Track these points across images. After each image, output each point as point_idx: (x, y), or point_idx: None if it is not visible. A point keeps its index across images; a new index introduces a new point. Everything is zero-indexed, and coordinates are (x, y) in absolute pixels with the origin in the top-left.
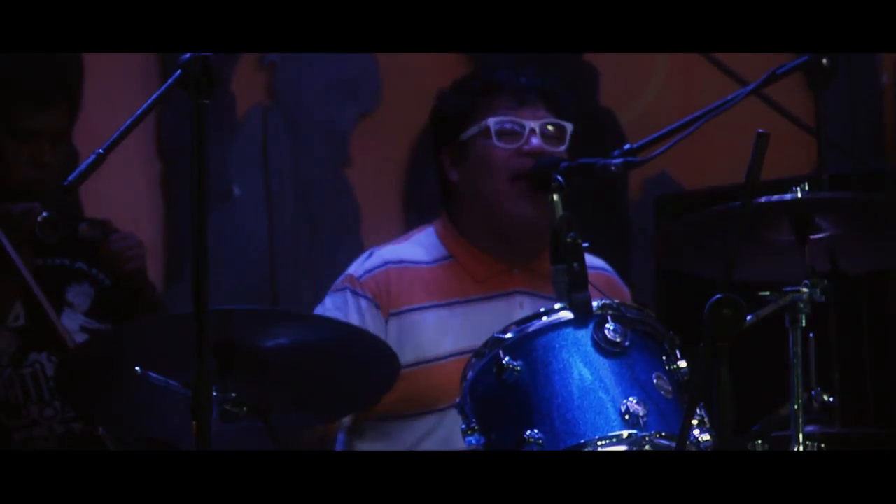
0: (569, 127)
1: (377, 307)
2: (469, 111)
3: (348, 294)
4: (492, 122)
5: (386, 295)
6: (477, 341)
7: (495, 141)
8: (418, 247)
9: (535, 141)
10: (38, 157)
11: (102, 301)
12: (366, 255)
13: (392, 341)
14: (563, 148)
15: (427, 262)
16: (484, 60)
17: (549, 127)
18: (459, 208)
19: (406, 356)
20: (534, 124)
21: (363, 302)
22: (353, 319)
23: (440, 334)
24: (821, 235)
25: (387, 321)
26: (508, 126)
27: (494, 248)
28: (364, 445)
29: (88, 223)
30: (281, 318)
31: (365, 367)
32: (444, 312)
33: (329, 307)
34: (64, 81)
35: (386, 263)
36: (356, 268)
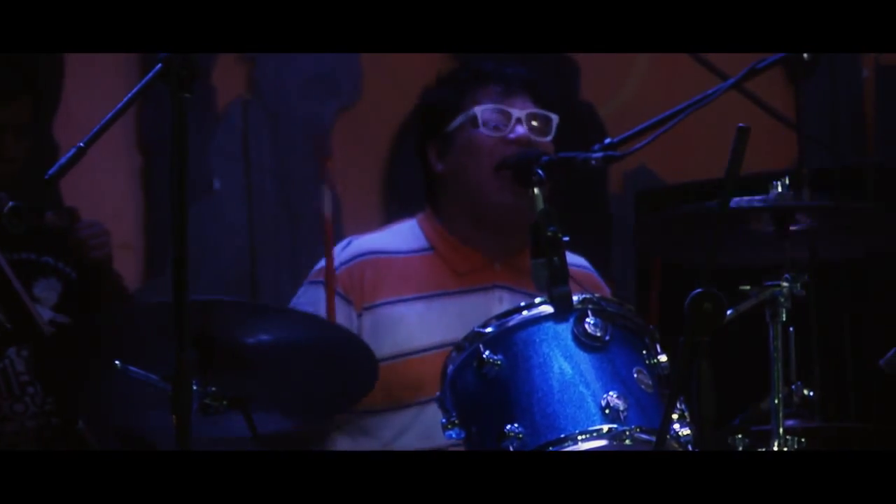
0: (554, 118)
1: (349, 302)
2: (455, 102)
3: (321, 289)
4: (478, 110)
5: (359, 289)
6: (455, 335)
7: (481, 129)
8: (398, 236)
9: (520, 129)
10: (2, 151)
11: (70, 295)
12: (343, 244)
13: (367, 335)
14: (548, 139)
15: (405, 252)
16: (467, 54)
17: (535, 118)
18: (444, 200)
19: (383, 349)
20: (520, 113)
21: (336, 297)
22: (324, 311)
23: (418, 327)
24: (800, 227)
25: (360, 315)
26: (494, 114)
27: (477, 240)
28: (344, 439)
29: (55, 211)
30: (262, 312)
31: (343, 365)
32: (422, 305)
33: (302, 300)
34: (27, 76)
35: (361, 255)
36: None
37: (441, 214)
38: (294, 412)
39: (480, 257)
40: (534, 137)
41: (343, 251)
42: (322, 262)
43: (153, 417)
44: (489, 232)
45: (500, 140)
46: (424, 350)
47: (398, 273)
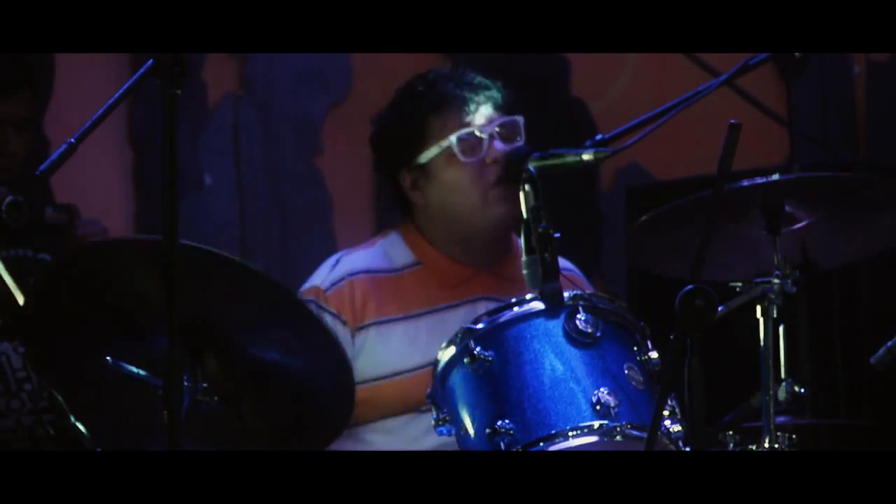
0: (520, 120)
1: (343, 322)
2: (420, 132)
3: (315, 309)
4: (452, 139)
5: (351, 309)
6: None
7: (460, 157)
8: (385, 253)
9: (497, 146)
10: (2, 146)
11: None
12: (332, 262)
13: (361, 355)
14: (521, 142)
15: (394, 270)
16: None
17: (502, 126)
18: (427, 222)
19: (375, 370)
20: (489, 129)
21: (328, 318)
22: None
23: (410, 346)
24: (793, 228)
25: (354, 335)
26: (469, 140)
27: (463, 253)
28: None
29: (54, 208)
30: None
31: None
32: (412, 324)
33: None
34: (28, 70)
35: (351, 274)
36: (322, 278)
37: (425, 232)
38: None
39: (467, 269)
40: (508, 147)
41: (333, 270)
42: (311, 281)
43: (144, 414)
44: (477, 245)
45: (480, 163)
46: (415, 369)
47: (388, 292)
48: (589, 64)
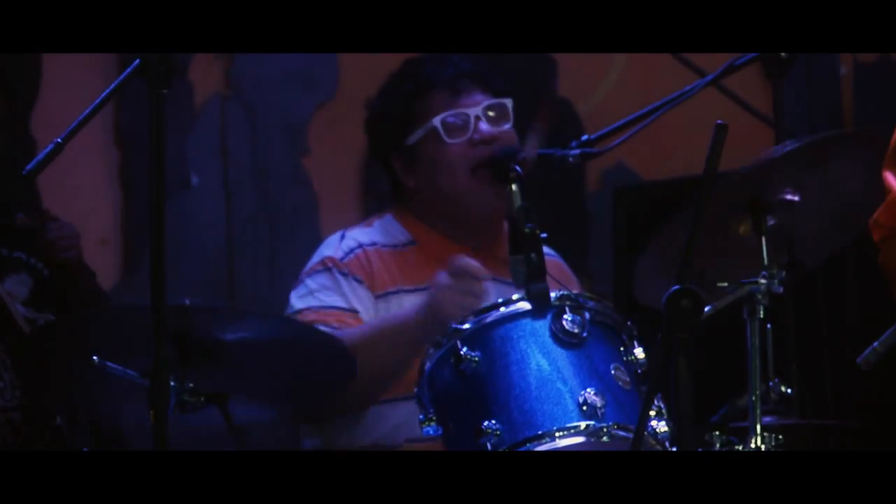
0: (509, 103)
1: (367, 287)
2: (407, 114)
3: (336, 273)
4: (436, 120)
5: (369, 276)
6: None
7: (445, 138)
8: (383, 230)
9: (483, 127)
10: None
11: (41, 290)
12: (337, 237)
13: None
14: (509, 125)
15: (396, 246)
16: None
17: (491, 108)
18: (418, 206)
19: None
20: (476, 111)
21: (353, 281)
22: (347, 295)
23: None
24: (777, 223)
25: (375, 301)
26: (453, 120)
27: (455, 233)
28: (334, 431)
29: (25, 213)
30: (239, 316)
31: (320, 362)
32: (419, 298)
33: (314, 287)
34: (2, 73)
35: (361, 245)
36: (333, 250)
37: (417, 214)
38: (275, 407)
39: (461, 248)
40: (496, 129)
41: (342, 242)
42: (320, 254)
43: (130, 413)
44: (467, 227)
45: (467, 143)
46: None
47: (397, 264)
48: (575, 64)
